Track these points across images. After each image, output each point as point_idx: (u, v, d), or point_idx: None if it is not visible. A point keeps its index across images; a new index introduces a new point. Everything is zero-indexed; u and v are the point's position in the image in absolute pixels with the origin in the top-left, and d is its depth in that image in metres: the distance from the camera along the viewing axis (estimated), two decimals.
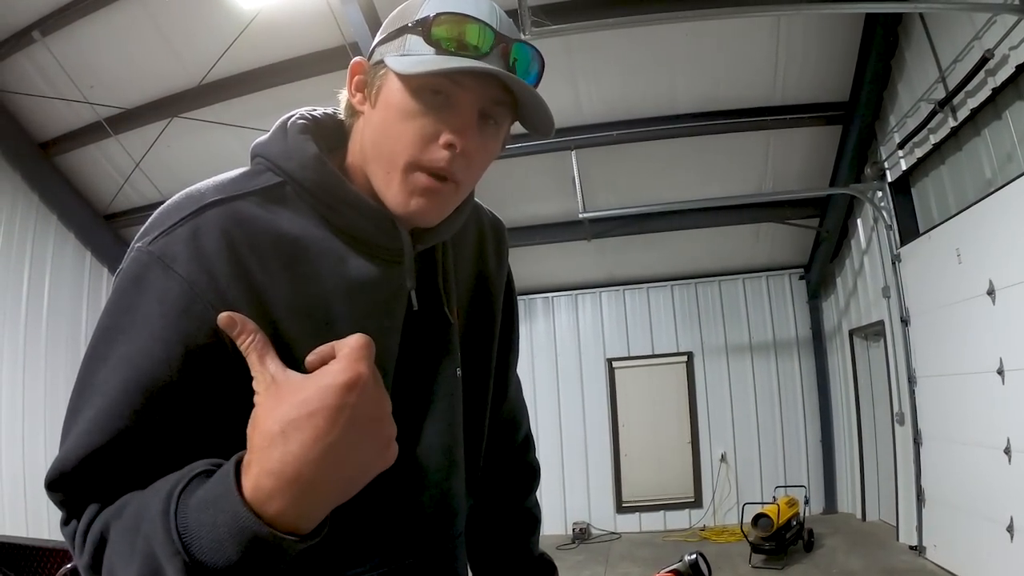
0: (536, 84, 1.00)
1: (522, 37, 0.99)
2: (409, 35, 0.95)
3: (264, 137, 1.05)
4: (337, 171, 1.00)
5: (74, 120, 7.25)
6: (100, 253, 8.41)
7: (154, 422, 0.85)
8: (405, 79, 0.95)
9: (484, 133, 0.99)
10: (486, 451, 1.27)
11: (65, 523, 0.88)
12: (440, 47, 0.93)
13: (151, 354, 0.85)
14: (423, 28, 0.94)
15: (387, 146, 0.97)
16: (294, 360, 0.86)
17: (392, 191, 0.99)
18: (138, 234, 0.94)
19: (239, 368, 0.86)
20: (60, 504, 0.88)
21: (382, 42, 1.00)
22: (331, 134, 1.07)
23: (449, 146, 0.95)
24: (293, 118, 1.05)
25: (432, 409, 1.10)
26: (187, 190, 0.97)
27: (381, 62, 0.98)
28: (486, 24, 0.95)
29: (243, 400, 0.86)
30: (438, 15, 0.94)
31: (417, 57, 0.94)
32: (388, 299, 1.02)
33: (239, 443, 0.80)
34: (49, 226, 7.87)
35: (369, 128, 1.00)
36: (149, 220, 0.94)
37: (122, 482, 0.84)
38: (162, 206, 0.95)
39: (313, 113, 1.08)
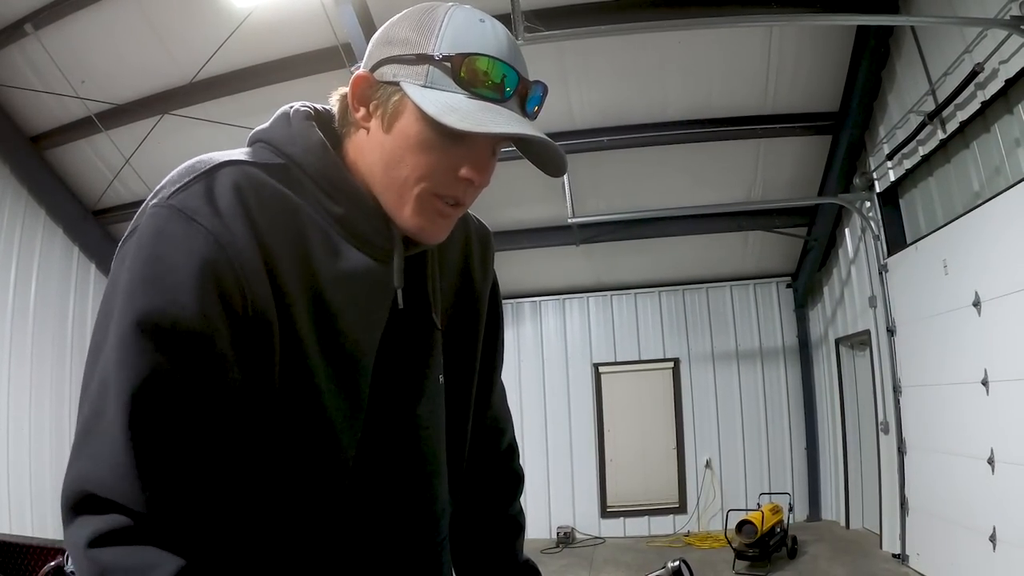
0: (536, 112, 1.02)
1: (531, 77, 1.00)
2: (431, 67, 0.94)
3: (265, 124, 1.05)
4: (339, 160, 1.01)
5: (64, 115, 7.20)
6: (88, 249, 8.35)
7: (193, 382, 0.84)
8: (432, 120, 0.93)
9: (491, 163, 1.02)
10: (470, 458, 1.28)
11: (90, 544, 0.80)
12: (471, 91, 0.93)
13: (185, 305, 0.84)
14: (451, 66, 0.93)
15: (401, 174, 0.98)
16: (292, 329, 0.90)
17: (405, 213, 1.00)
18: (150, 195, 0.93)
19: (257, 336, 0.88)
20: (71, 511, 0.83)
21: (393, 60, 0.97)
22: (329, 129, 1.07)
23: (468, 181, 0.98)
24: (295, 107, 1.06)
25: (415, 414, 1.11)
26: (195, 158, 0.96)
27: (396, 85, 0.96)
28: (512, 68, 0.96)
29: (259, 374, 0.89)
30: (467, 56, 0.93)
31: (448, 96, 0.93)
32: (374, 292, 1.03)
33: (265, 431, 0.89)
34: (38, 221, 7.81)
35: (378, 150, 1.00)
36: (161, 184, 0.93)
37: (173, 480, 0.83)
38: (171, 172, 0.95)
39: (315, 105, 1.09)
